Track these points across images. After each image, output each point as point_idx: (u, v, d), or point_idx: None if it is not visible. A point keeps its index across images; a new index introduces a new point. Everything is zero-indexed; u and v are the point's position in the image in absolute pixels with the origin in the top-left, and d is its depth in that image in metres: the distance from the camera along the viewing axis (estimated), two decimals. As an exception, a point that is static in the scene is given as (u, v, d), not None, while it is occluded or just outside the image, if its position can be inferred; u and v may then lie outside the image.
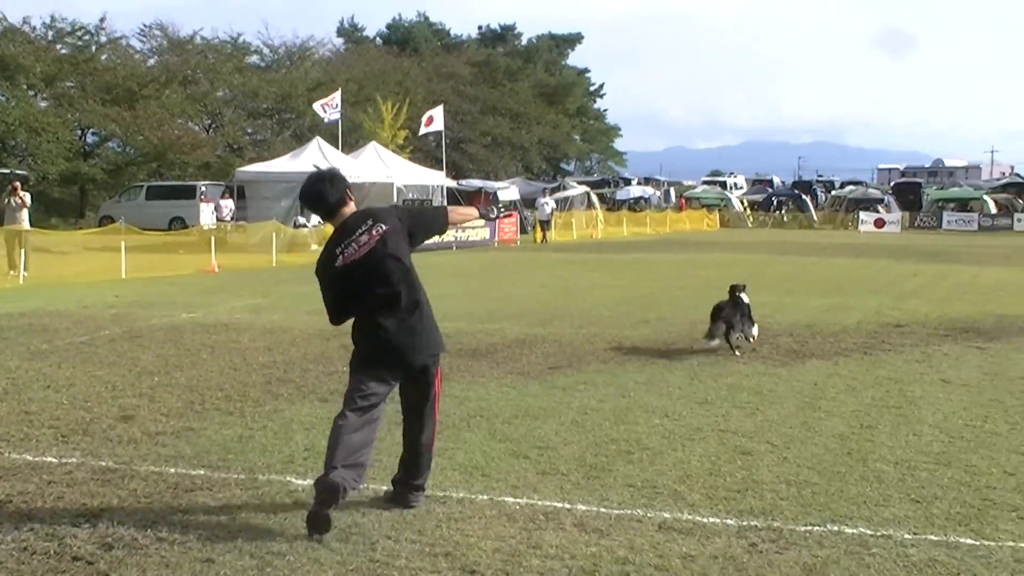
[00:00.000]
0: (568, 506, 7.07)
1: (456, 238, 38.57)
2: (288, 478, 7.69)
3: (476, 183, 54.02)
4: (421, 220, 7.14)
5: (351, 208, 6.89)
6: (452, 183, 48.77)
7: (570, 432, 9.22)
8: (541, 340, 14.67)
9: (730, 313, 13.75)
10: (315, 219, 36.58)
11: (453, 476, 7.76)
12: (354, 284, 6.71)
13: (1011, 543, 6.48)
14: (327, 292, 6.90)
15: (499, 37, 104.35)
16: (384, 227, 6.71)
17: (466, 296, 20.35)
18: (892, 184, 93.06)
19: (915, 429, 9.46)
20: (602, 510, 7.01)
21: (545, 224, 45.44)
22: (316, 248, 32.39)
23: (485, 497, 7.25)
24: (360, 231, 6.70)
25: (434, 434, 7.20)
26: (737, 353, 13.53)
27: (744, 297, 14.10)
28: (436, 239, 37.09)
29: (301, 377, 11.81)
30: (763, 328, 15.92)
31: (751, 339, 13.95)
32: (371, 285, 6.69)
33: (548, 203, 47.37)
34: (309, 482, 7.45)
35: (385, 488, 7.24)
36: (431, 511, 6.92)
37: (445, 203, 43.81)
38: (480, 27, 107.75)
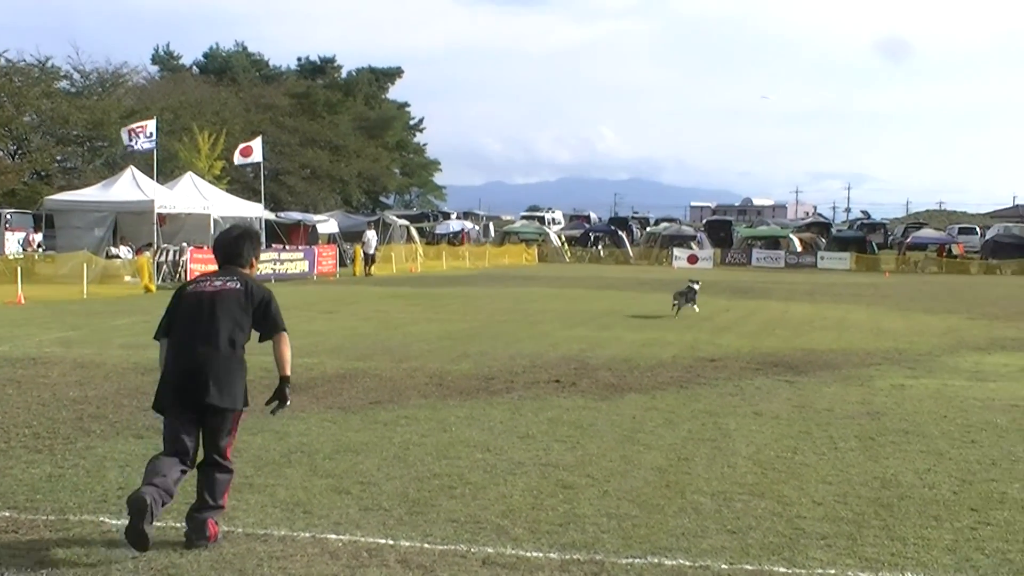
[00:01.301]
0: (391, 542, 7.03)
1: (275, 271, 38.06)
2: (101, 518, 7.44)
3: (295, 215, 53.49)
4: (267, 313, 7.20)
5: (247, 270, 7.38)
6: (271, 215, 48.16)
7: (392, 467, 9.17)
8: (362, 374, 14.58)
9: (683, 294, 25.12)
10: (125, 250, 35.66)
11: (274, 513, 7.63)
12: (184, 309, 7.12)
13: (820, 570, 6.71)
14: (169, 307, 7.25)
15: (319, 69, 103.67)
16: (238, 286, 7.15)
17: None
18: (704, 221, 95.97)
19: (730, 461, 9.71)
20: (426, 546, 6.98)
21: (370, 257, 45.25)
22: (130, 279, 31.60)
23: (307, 534, 7.15)
24: (221, 278, 7.23)
25: (227, 478, 7.16)
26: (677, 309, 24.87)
27: (696, 287, 25.39)
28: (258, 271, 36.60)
29: (115, 413, 11.46)
30: (581, 363, 16.19)
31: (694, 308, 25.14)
32: (194, 316, 7.04)
33: (374, 236, 47.20)
34: (123, 522, 7.23)
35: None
36: (252, 550, 6.79)
37: (263, 235, 43.33)
38: (299, 59, 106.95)
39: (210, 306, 7.04)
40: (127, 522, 6.56)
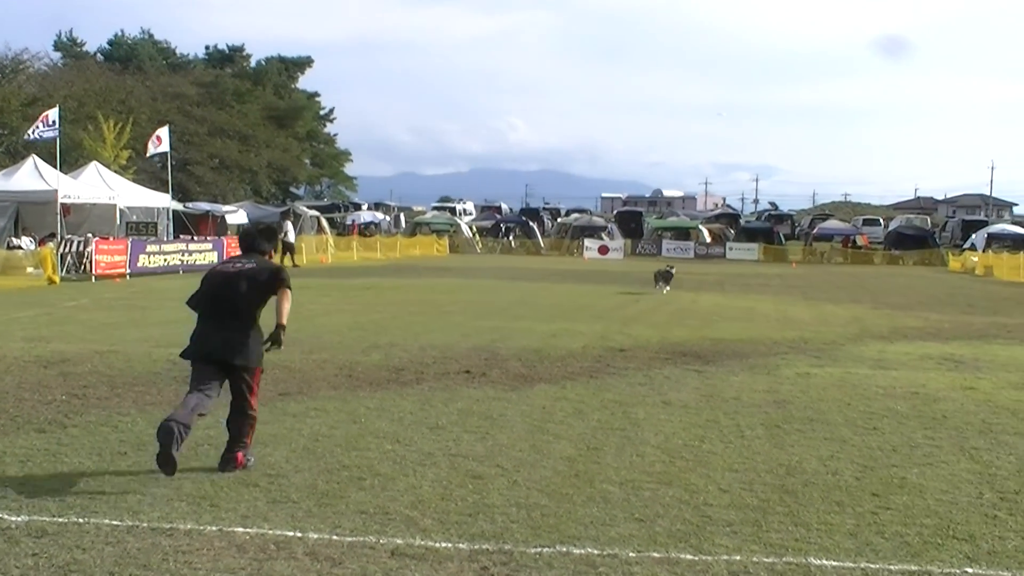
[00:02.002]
0: (300, 535, 6.99)
1: (183, 262, 37.54)
2: (1, 514, 7.29)
3: (204, 206, 52.78)
4: (272, 278, 8.96)
5: (264, 256, 9.24)
6: (179, 206, 47.49)
7: (301, 459, 9.12)
8: (271, 366, 14.35)
9: (663, 275, 31.24)
10: (27, 241, 34.95)
11: (180, 507, 7.54)
12: (212, 285, 8.93)
13: (726, 557, 6.80)
14: (201, 283, 9.08)
15: (227, 58, 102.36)
16: (253, 267, 8.92)
17: (193, 322, 19.78)
18: (615, 212, 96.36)
19: (639, 450, 9.80)
20: (334, 538, 6.95)
21: (291, 247, 44.78)
22: (33, 271, 30.94)
23: (214, 528, 7.08)
24: (241, 261, 9.05)
25: (250, 422, 8.83)
26: (664, 291, 30.33)
27: (672, 271, 31.83)
28: (162, 262, 36.18)
29: (16, 407, 11.23)
30: (491, 353, 16.21)
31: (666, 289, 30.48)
32: (220, 291, 8.83)
33: (291, 226, 46.71)
34: (24, 518, 7.15)
35: (111, 521, 7.07)
36: (157, 544, 6.70)
37: (171, 226, 42.78)
38: (208, 47, 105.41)
39: (233, 283, 8.77)
40: (158, 450, 8.06)
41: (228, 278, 8.87)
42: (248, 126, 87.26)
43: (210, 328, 8.80)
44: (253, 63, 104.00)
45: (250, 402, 8.85)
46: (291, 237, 45.29)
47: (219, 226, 48.44)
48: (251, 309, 8.86)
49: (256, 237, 9.44)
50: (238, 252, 9.48)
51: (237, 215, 51.60)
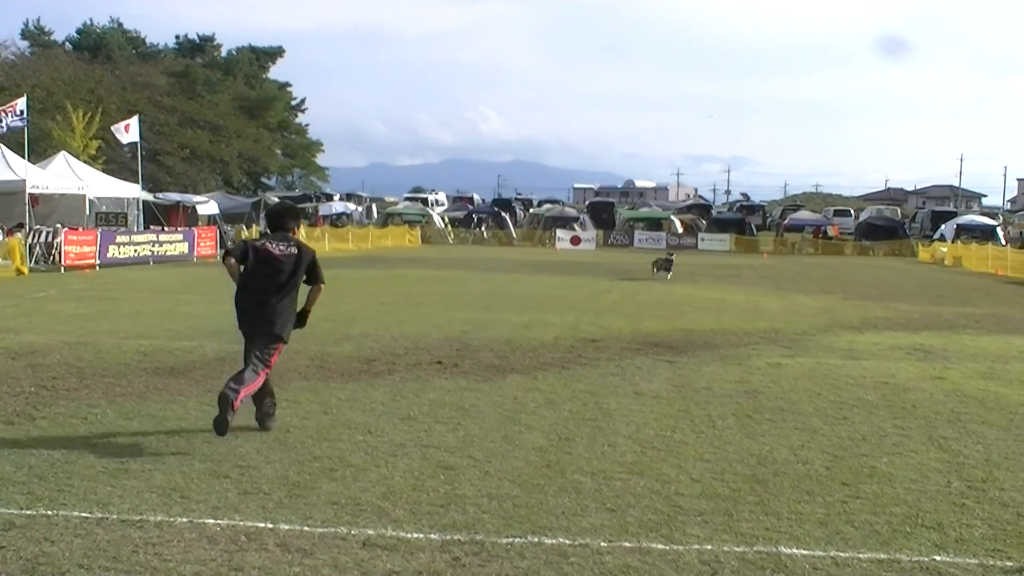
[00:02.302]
0: (271, 526, 6.97)
1: (153, 252, 37.34)
2: (-31, 507, 7.24)
3: (174, 196, 52.48)
4: (312, 270, 9.93)
5: (292, 235, 10.05)
6: (149, 196, 47.20)
7: (272, 450, 9.09)
8: (241, 357, 14.36)
9: (661, 263, 34.32)
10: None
11: (151, 499, 7.50)
12: (258, 262, 9.69)
13: (697, 546, 6.83)
14: (244, 242, 10.14)
15: (198, 48, 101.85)
16: (295, 251, 9.82)
17: (163, 312, 19.72)
18: (587, 203, 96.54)
19: (610, 440, 9.82)
20: (306, 529, 6.94)
21: None
22: (1, 262, 30.65)
23: (184, 519, 7.05)
24: (284, 242, 9.87)
25: (252, 378, 9.48)
26: (656, 276, 33.44)
27: (672, 258, 34.74)
28: (132, 252, 35.97)
29: (-17, 399, 11.15)
30: (463, 344, 16.20)
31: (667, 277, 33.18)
32: (264, 269, 9.67)
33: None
34: (-7, 510, 7.09)
35: (80, 513, 7.04)
36: (127, 536, 6.67)
37: (141, 216, 42.54)
38: (178, 37, 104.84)
39: (276, 266, 9.67)
40: (216, 415, 9.11)
41: (275, 260, 9.70)
42: (219, 116, 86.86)
43: (253, 304, 9.65)
44: (224, 53, 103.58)
45: (265, 361, 9.71)
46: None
47: (190, 217, 48.17)
48: (291, 290, 9.79)
49: (283, 216, 10.24)
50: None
51: (208, 206, 51.33)
